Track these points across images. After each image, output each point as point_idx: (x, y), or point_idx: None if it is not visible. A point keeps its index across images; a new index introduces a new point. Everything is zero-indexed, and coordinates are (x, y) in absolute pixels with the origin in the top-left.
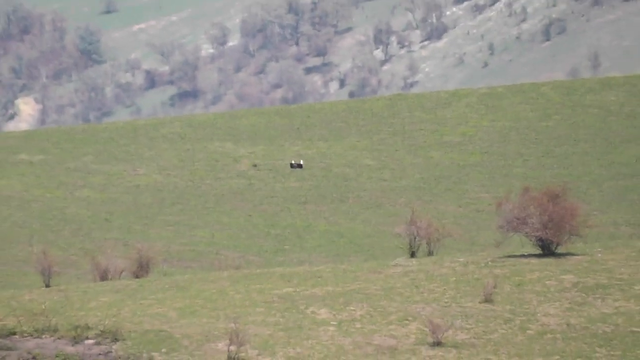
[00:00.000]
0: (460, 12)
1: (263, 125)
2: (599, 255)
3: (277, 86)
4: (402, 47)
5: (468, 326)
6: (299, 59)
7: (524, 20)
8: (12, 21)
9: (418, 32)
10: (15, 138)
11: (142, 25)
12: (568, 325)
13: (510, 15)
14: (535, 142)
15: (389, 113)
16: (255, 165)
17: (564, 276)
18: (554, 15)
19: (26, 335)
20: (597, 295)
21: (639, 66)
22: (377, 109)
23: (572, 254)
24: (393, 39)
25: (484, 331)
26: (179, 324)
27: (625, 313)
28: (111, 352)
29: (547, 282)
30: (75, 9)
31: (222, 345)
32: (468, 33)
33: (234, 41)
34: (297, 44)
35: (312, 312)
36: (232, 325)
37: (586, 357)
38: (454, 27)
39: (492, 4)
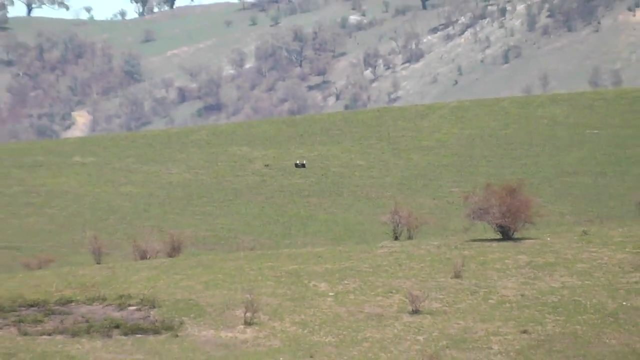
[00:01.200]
0: (435, 40)
1: (273, 132)
2: (548, 239)
3: (284, 100)
4: (387, 68)
5: (441, 297)
6: (302, 78)
7: (487, 47)
8: (69, 48)
9: (400, 56)
10: (71, 144)
11: (175, 51)
12: (522, 296)
13: (475, 42)
14: (496, 147)
15: (377, 122)
16: (267, 165)
17: (519, 256)
18: (511, 43)
19: (80, 302)
20: (546, 272)
21: (580, 85)
22: (366, 119)
23: (526, 238)
24: (379, 61)
25: (454, 301)
26: (204, 295)
27: (569, 286)
28: (149, 316)
29: (505, 261)
30: (120, 38)
31: (239, 312)
32: (441, 57)
33: (249, 64)
34: (300, 65)
35: (314, 286)
36: (248, 295)
37: (537, 322)
38: (430, 52)
39: (461, 34)
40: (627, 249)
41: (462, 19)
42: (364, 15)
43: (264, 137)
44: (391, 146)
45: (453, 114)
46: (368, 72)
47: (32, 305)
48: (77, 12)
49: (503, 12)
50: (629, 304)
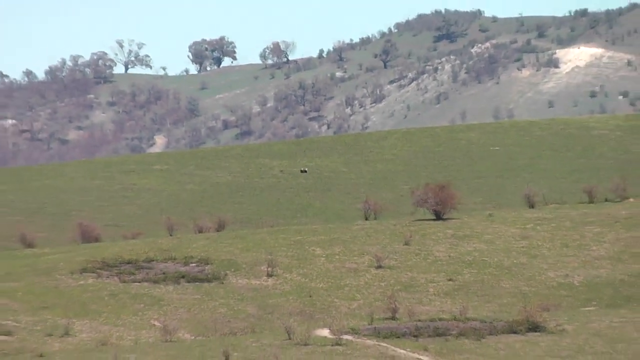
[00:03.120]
0: (392, 88)
1: (286, 149)
2: (466, 219)
3: (293, 128)
4: (361, 107)
5: (396, 257)
6: (305, 113)
7: (426, 92)
8: (152, 93)
9: (369, 99)
10: (153, 157)
11: (221, 96)
12: (449, 256)
13: (418, 90)
14: (432, 159)
15: (354, 143)
16: (281, 171)
17: (447, 230)
18: (441, 90)
19: (159, 261)
20: (464, 241)
21: (487, 118)
22: (347, 141)
23: (452, 219)
24: (356, 102)
25: (404, 260)
26: (240, 256)
27: (479, 250)
28: (204, 270)
29: (438, 234)
30: (185, 87)
31: (263, 267)
32: (396, 99)
33: (270, 104)
34: (304, 105)
35: (312, 250)
36: (269, 256)
37: (458, 273)
38: (388, 96)
39: (409, 84)
40: (517, 226)
41: (410, 74)
42: (345, 72)
43: (279, 152)
44: (363, 158)
45: (404, 137)
46: (348, 110)
47: (128, 263)
48: (157, 69)
49: (436, 69)
50: (518, 261)
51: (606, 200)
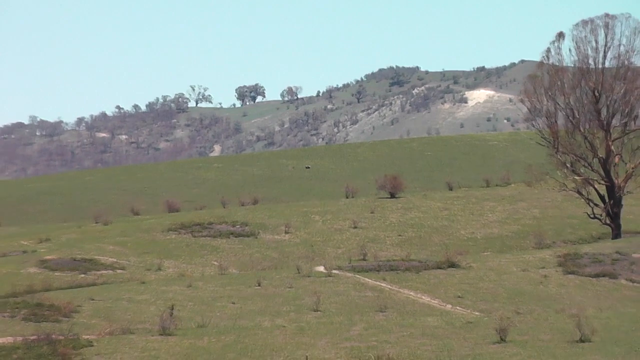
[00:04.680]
0: (363, 115)
1: (296, 154)
2: (410, 197)
3: (300, 141)
4: (343, 127)
5: (365, 221)
6: (308, 131)
7: (384, 118)
8: (212, 119)
9: (349, 122)
10: (213, 158)
11: (255, 120)
12: (399, 221)
13: (380, 116)
14: (388, 160)
15: (339, 150)
16: (293, 168)
17: (398, 204)
18: (394, 117)
19: (216, 224)
20: (409, 211)
21: (423, 134)
22: (335, 149)
23: (401, 197)
24: (340, 124)
25: (371, 223)
26: (268, 220)
27: (417, 217)
28: (245, 229)
29: (392, 207)
30: (232, 114)
31: (283, 227)
32: (366, 122)
33: (286, 125)
34: (307, 126)
35: (313, 217)
36: (286, 221)
37: (404, 231)
38: (361, 120)
39: (374, 112)
40: (441, 202)
41: (374, 107)
42: (334, 105)
43: (292, 156)
44: (344, 159)
45: (370, 147)
46: (335, 129)
47: (197, 224)
48: (215, 104)
49: (391, 104)
50: (442, 224)
51: (497, 185)
